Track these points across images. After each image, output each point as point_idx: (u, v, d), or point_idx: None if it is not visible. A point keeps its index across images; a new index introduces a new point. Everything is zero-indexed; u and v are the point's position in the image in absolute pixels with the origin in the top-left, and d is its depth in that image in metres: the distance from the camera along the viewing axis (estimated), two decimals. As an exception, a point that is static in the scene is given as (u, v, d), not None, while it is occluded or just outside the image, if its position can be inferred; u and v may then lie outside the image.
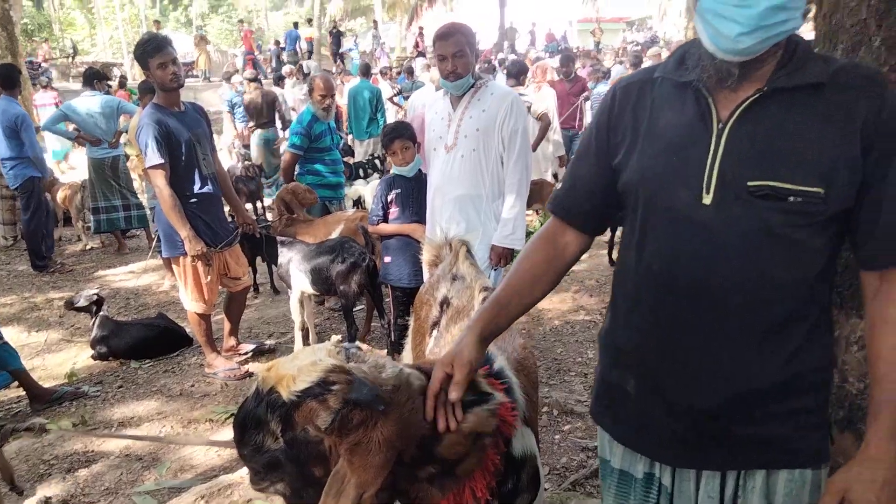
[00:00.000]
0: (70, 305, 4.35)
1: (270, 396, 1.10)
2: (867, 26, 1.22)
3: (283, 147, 9.44)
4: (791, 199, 1.05)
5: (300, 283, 4.03)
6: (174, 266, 3.82)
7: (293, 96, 10.85)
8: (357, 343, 1.09)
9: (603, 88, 8.52)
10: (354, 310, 4.13)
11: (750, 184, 1.07)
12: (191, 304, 3.81)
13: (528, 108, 5.99)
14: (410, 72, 11.62)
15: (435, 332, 1.91)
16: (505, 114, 2.92)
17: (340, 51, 19.34)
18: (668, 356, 1.19)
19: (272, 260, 4.34)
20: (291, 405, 1.08)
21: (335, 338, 1.22)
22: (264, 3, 36.71)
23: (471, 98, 2.99)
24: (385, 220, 3.61)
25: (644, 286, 1.20)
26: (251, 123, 8.95)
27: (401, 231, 3.54)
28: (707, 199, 1.09)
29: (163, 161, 3.46)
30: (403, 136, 3.48)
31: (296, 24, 21.70)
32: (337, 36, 19.79)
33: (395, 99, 10.45)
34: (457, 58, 2.86)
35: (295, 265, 4.02)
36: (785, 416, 1.16)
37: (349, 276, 3.84)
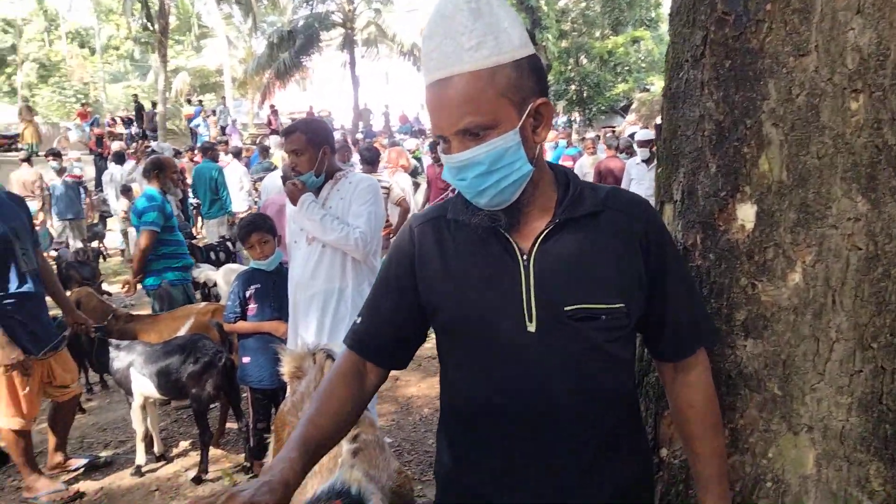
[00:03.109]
0: None
1: None
2: (703, 153, 1.34)
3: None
4: (603, 317, 1.14)
5: (143, 388, 3.62)
6: (-15, 377, 3.29)
7: (126, 174, 10.36)
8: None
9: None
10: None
11: (566, 308, 1.13)
12: (5, 420, 3.27)
13: (388, 191, 6.05)
14: (265, 151, 11.36)
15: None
16: (354, 197, 2.90)
17: (190, 125, 18.79)
18: (516, 486, 1.19)
19: (102, 368, 3.85)
20: None
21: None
22: (102, 74, 34.70)
23: (331, 189, 2.96)
24: (243, 317, 3.38)
25: (483, 420, 1.20)
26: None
27: (260, 329, 3.33)
28: (531, 327, 1.14)
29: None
30: (261, 228, 3.34)
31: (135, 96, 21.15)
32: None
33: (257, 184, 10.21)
34: (296, 155, 2.87)
35: (137, 369, 3.61)
36: None
37: (202, 378, 3.50)
